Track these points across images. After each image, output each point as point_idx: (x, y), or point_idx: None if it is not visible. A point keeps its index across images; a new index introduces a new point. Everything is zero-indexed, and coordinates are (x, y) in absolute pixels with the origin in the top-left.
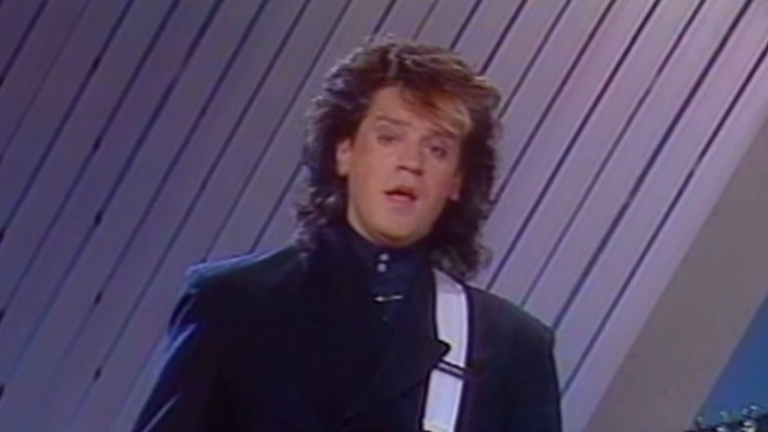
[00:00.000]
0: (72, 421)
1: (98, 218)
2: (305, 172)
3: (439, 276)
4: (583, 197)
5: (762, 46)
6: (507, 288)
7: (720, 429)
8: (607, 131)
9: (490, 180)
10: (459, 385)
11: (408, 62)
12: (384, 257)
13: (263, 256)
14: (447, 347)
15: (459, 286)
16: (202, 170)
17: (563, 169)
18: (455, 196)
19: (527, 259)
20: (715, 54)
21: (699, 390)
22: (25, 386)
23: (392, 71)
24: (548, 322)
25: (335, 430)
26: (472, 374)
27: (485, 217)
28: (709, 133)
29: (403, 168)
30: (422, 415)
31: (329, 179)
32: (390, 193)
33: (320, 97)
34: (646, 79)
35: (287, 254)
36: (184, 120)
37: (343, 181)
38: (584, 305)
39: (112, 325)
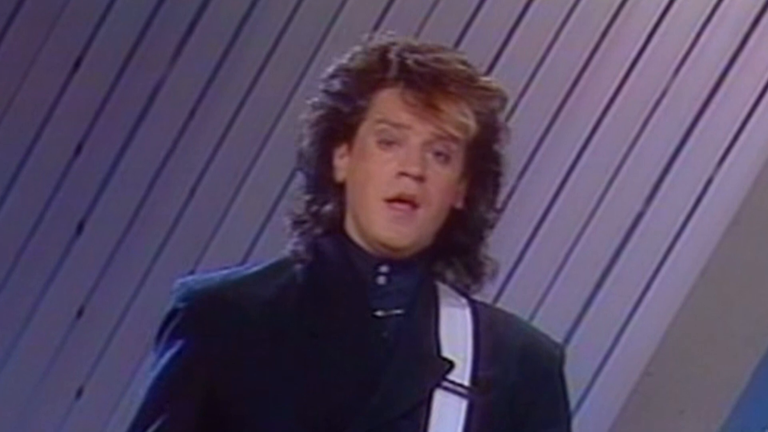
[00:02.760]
0: None
1: (80, 228)
2: (300, 178)
3: (443, 289)
4: (596, 205)
5: None
6: (514, 302)
7: None
8: (620, 135)
9: (496, 187)
10: (463, 405)
11: (409, 62)
12: (384, 269)
13: (256, 268)
14: (451, 365)
15: (463, 300)
16: (191, 177)
17: (574, 175)
18: (459, 204)
19: (536, 271)
20: (735, 53)
21: (718, 410)
22: (2, 407)
23: (392, 71)
24: (559, 338)
25: None
26: (477, 393)
27: (491, 227)
28: (730, 137)
29: (404, 174)
30: None
31: (326, 186)
32: (390, 201)
33: (316, 99)
34: (663, 79)
35: (281, 266)
36: (172, 123)
37: (341, 188)
38: (597, 320)
39: (94, 341)
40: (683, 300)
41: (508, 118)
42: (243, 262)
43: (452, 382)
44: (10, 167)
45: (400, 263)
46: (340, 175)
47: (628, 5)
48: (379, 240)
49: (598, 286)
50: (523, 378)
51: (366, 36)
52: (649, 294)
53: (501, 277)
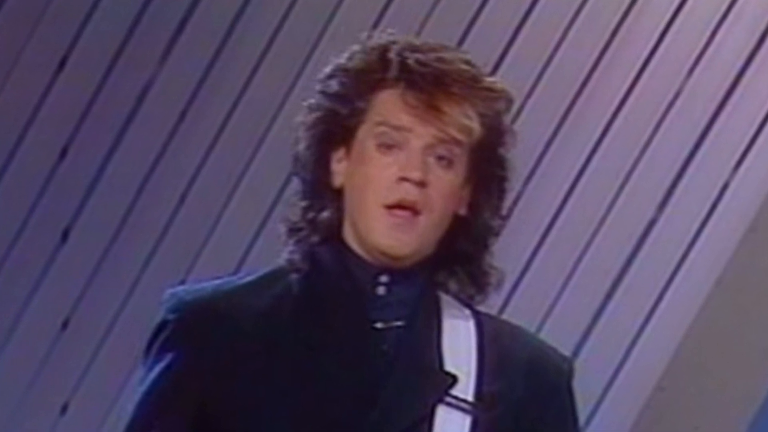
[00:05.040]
0: None
1: (65, 235)
2: (296, 183)
3: (445, 300)
4: (606, 212)
5: None
6: (521, 313)
7: None
8: (632, 139)
9: (501, 193)
10: (467, 421)
11: (410, 61)
12: (383, 279)
13: (249, 278)
14: (454, 379)
15: (467, 311)
16: (181, 182)
17: (583, 180)
18: (463, 211)
19: (543, 280)
20: (752, 52)
21: (734, 426)
22: None
23: (393, 72)
24: (567, 351)
25: None
26: (481, 409)
27: (496, 234)
28: (746, 140)
29: (404, 179)
30: None
31: (323, 192)
32: (390, 207)
33: (312, 101)
34: (676, 80)
35: (276, 275)
36: (161, 126)
37: (338, 194)
38: (607, 332)
39: (80, 354)
40: (697, 311)
41: (513, 121)
42: (236, 271)
43: (455, 397)
44: None
45: (401, 273)
46: (337, 180)
47: (639, 2)
48: (379, 248)
49: (609, 296)
50: (530, 393)
51: (365, 35)
52: (662, 305)
53: (506, 287)
